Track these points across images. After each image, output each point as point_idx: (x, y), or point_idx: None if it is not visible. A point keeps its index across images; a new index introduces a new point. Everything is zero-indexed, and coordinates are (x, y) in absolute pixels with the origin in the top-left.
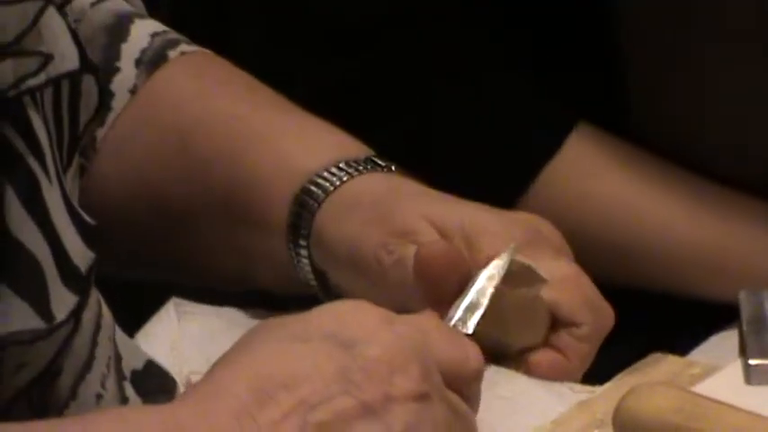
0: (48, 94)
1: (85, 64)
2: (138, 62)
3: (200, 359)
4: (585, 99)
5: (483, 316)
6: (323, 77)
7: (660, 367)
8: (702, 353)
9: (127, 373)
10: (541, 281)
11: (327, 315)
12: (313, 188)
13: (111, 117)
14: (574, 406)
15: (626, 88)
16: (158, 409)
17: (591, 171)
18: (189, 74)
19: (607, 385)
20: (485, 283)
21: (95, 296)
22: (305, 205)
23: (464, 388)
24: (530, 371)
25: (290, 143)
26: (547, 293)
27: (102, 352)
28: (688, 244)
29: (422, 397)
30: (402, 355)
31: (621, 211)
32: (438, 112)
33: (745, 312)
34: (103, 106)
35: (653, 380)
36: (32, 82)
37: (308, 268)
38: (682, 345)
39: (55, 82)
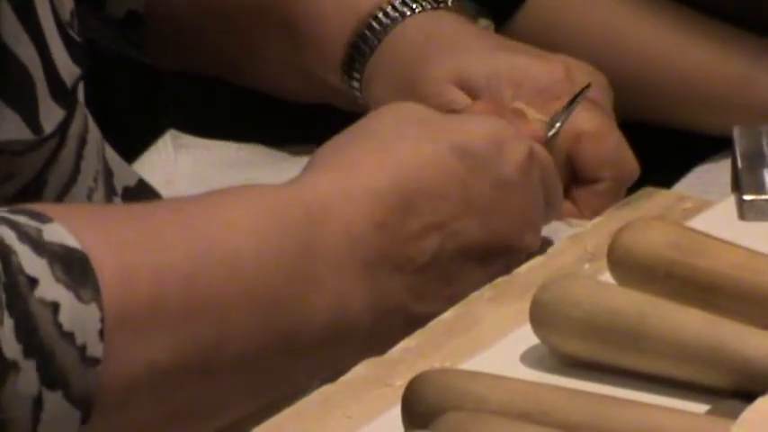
0: None
1: None
2: None
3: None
4: None
5: None
6: None
7: (652, 201)
8: (687, 186)
9: (119, 189)
10: (556, 132)
11: (480, 129)
12: (366, 32)
13: None
14: (565, 239)
15: None
16: (296, 189)
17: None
18: None
19: (598, 219)
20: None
21: (81, 112)
22: (358, 49)
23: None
24: None
25: None
26: (570, 145)
27: (89, 166)
28: (678, 73)
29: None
30: (538, 212)
31: (611, 39)
32: None
33: (740, 147)
34: None
35: (645, 214)
36: None
37: (363, 101)
38: (663, 177)
39: None
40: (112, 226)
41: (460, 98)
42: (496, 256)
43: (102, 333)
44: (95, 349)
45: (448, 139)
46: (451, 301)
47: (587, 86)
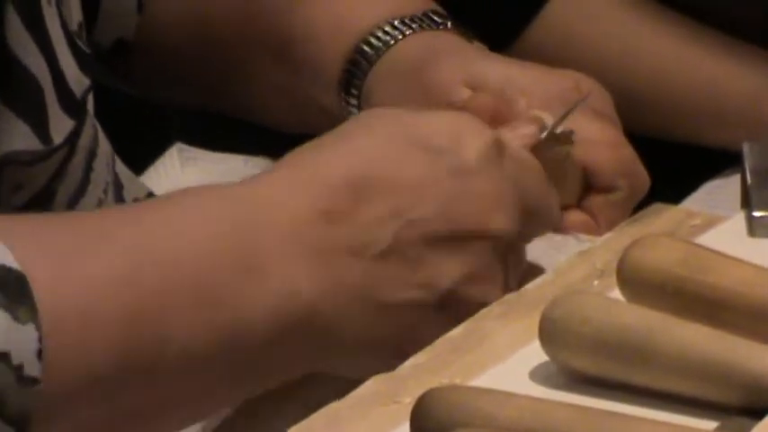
0: None
1: None
2: None
3: None
4: None
5: None
6: None
7: (661, 218)
8: (696, 202)
9: (128, 200)
10: (569, 142)
11: (438, 120)
12: (366, 48)
13: None
14: (574, 256)
15: None
16: (251, 185)
17: (588, 13)
18: None
19: (608, 235)
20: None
21: (91, 123)
22: (357, 65)
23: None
24: (561, 230)
25: None
26: (582, 155)
27: (98, 178)
28: (689, 87)
29: (506, 244)
30: (507, 198)
31: (623, 53)
32: None
33: (750, 163)
34: None
35: (654, 230)
36: None
37: None
38: (673, 193)
39: None
40: (47, 235)
41: None
42: (465, 243)
43: (40, 353)
44: (33, 369)
45: (404, 130)
46: (431, 288)
47: (585, 96)
